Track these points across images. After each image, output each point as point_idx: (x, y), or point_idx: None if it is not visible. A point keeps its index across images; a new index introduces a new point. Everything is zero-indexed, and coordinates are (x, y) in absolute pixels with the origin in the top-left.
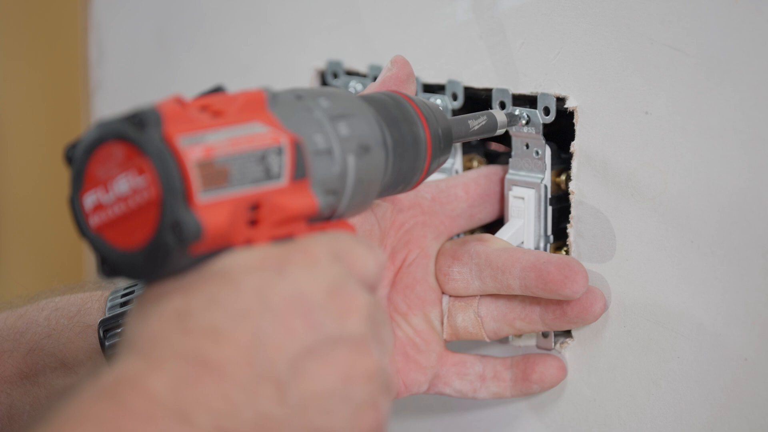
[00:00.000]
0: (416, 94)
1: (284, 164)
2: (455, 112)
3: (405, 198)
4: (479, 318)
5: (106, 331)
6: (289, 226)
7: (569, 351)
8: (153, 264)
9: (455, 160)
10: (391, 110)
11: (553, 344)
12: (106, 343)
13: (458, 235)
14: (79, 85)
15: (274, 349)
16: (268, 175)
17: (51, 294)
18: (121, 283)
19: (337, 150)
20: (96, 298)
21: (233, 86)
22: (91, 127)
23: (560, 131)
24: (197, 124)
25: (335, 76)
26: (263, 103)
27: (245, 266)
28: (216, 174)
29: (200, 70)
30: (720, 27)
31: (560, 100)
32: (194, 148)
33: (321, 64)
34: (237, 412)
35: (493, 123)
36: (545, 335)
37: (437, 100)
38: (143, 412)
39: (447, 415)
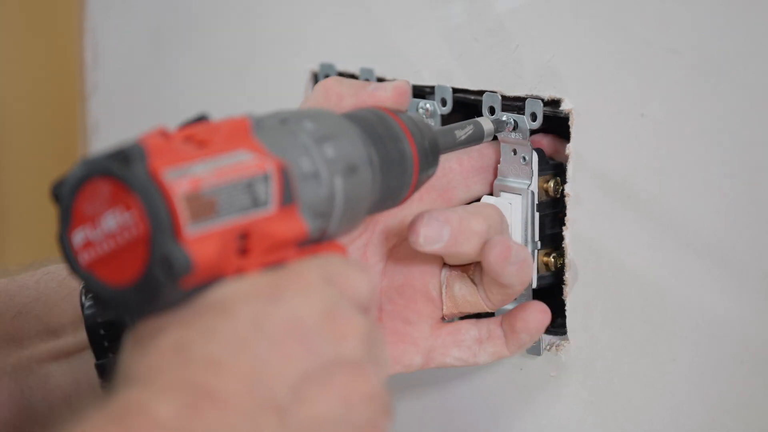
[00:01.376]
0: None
1: (271, 191)
2: (444, 118)
3: None
4: (475, 285)
5: (86, 293)
6: (280, 252)
7: (565, 354)
8: (144, 300)
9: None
10: (376, 128)
11: (541, 349)
12: (85, 305)
13: None
14: (75, 89)
15: (273, 377)
16: (256, 203)
17: (49, 261)
18: None
19: (324, 172)
20: None
21: (228, 89)
22: (76, 165)
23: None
24: (182, 156)
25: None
26: (248, 130)
27: (239, 296)
28: (203, 206)
29: (195, 73)
30: (716, 29)
31: (555, 103)
32: (180, 180)
33: (314, 66)
34: None
35: (480, 131)
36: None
37: (426, 105)
38: None
39: (442, 419)
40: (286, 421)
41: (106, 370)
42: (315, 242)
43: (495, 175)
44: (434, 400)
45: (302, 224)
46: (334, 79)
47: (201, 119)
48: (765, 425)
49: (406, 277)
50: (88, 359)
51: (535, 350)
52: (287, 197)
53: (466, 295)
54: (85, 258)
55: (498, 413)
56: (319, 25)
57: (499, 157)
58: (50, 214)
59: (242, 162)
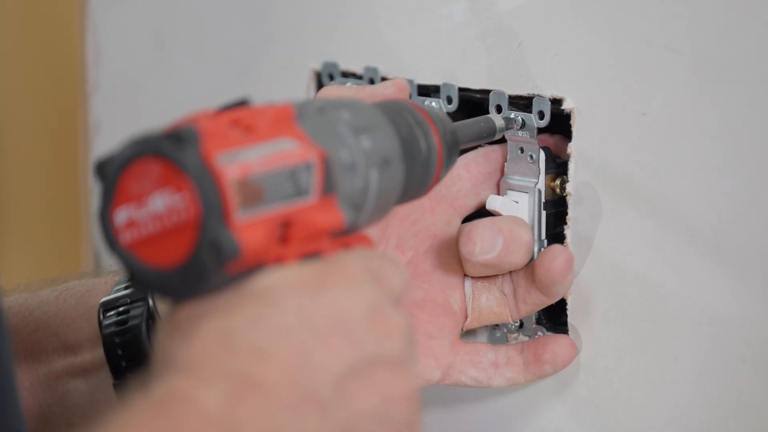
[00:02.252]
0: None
1: (313, 180)
2: (450, 116)
3: None
4: (504, 295)
5: (105, 312)
6: (316, 242)
7: None
8: (188, 283)
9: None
10: (406, 120)
11: None
12: (103, 323)
13: (480, 213)
14: (77, 87)
15: (318, 370)
16: (298, 192)
17: (71, 277)
18: None
19: (361, 164)
20: (106, 281)
21: (230, 87)
22: (126, 143)
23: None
24: (232, 141)
25: (331, 77)
26: (292, 118)
27: (284, 286)
28: (252, 192)
29: (197, 71)
30: (717, 28)
31: (557, 102)
32: (232, 165)
33: (317, 65)
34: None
35: (492, 127)
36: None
37: (432, 103)
38: (196, 428)
39: (441, 417)
40: (327, 415)
41: (124, 391)
42: (346, 233)
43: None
44: (433, 398)
45: (340, 215)
46: (333, 86)
47: (242, 103)
48: (766, 424)
49: (426, 292)
50: (106, 377)
51: None
52: (328, 187)
53: (492, 306)
54: (126, 237)
55: (498, 412)
56: (321, 23)
57: (505, 161)
58: (51, 212)
59: (287, 150)
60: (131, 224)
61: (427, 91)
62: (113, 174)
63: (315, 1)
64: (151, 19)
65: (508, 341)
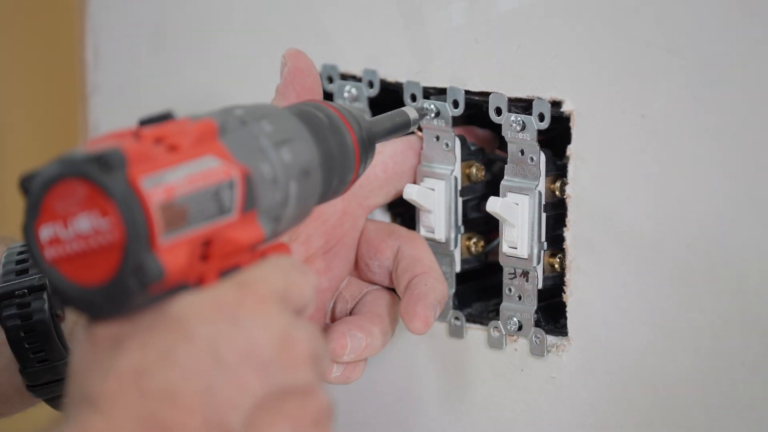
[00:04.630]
0: (320, 82)
1: (235, 198)
2: (455, 120)
3: None
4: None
5: (2, 300)
6: (236, 257)
7: (566, 355)
8: (111, 303)
9: (454, 167)
10: (322, 125)
11: (545, 350)
12: (3, 314)
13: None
14: (76, 89)
15: (228, 406)
16: (221, 210)
17: None
18: (17, 241)
19: (282, 178)
20: None
21: (229, 90)
22: (52, 162)
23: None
24: (157, 163)
25: (330, 80)
26: (214, 134)
27: (198, 313)
28: (176, 215)
29: (196, 73)
30: (716, 30)
31: (557, 104)
32: (157, 189)
33: (316, 67)
34: None
35: (407, 121)
36: (538, 341)
37: (431, 106)
38: None
39: (442, 420)
40: None
41: (32, 378)
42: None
43: (414, 178)
44: (435, 401)
45: (260, 230)
46: None
47: (166, 117)
48: (766, 427)
49: (317, 289)
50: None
51: (539, 351)
52: (249, 204)
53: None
54: (51, 253)
55: (499, 415)
56: (321, 25)
57: (420, 159)
58: None
59: (210, 169)
60: (55, 241)
61: (427, 93)
62: (38, 191)
63: (314, 2)
64: (151, 20)
65: (507, 343)
